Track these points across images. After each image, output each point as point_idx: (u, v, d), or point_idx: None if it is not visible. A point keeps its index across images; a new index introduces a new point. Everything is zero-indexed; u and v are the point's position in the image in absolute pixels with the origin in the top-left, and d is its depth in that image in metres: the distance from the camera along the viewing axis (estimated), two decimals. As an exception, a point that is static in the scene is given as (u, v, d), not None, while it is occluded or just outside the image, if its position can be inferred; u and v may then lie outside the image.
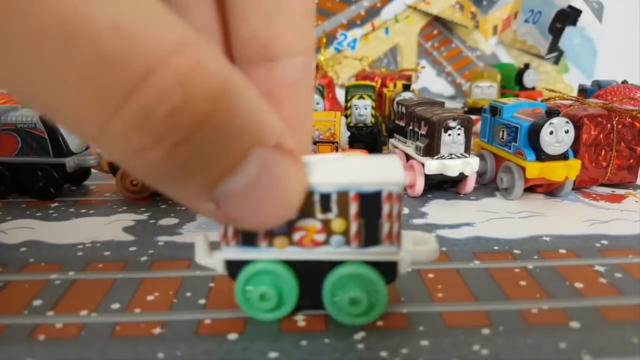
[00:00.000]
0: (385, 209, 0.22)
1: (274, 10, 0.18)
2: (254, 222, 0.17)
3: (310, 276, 0.23)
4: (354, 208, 0.22)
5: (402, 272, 0.23)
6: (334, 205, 0.22)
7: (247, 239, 0.23)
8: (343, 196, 0.21)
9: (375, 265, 0.23)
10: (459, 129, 0.41)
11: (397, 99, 0.51)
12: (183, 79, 0.12)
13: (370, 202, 0.22)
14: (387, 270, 0.23)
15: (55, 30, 0.11)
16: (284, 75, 0.19)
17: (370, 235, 0.22)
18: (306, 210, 0.21)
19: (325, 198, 0.21)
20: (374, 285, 0.23)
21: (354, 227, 0.22)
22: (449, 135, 0.41)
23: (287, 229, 0.22)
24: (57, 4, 0.11)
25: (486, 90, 0.77)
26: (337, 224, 0.22)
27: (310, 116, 0.22)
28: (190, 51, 0.13)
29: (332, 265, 0.23)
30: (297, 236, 0.22)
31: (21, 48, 0.11)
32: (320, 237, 0.22)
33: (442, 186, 0.44)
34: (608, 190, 0.45)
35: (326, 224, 0.22)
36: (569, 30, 0.95)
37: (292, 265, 0.23)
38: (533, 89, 0.80)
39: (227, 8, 0.18)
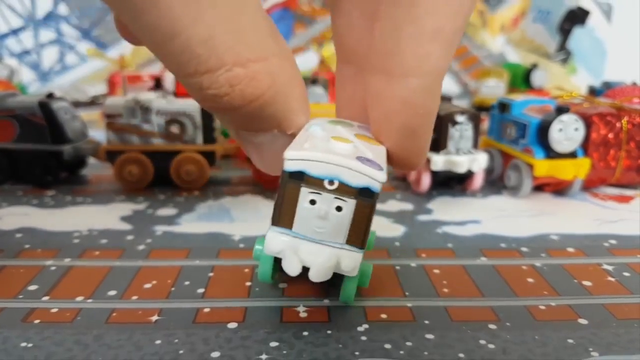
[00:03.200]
0: None
1: (402, 28, 0.18)
2: (257, 164, 0.22)
3: None
4: None
5: None
6: None
7: None
8: None
9: None
10: (467, 123, 0.40)
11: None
12: (234, 82, 0.17)
13: None
14: None
15: (163, 28, 0.16)
16: (394, 91, 0.19)
17: None
18: None
19: None
20: None
21: None
22: (457, 130, 0.40)
23: None
24: (176, 10, 0.15)
25: (494, 89, 0.76)
26: None
27: (408, 137, 0.21)
28: (253, 66, 0.17)
29: None
30: None
31: (142, 24, 0.16)
32: None
33: (448, 183, 0.43)
34: (616, 191, 0.44)
35: None
36: (578, 31, 0.94)
37: None
38: (540, 89, 0.79)
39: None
